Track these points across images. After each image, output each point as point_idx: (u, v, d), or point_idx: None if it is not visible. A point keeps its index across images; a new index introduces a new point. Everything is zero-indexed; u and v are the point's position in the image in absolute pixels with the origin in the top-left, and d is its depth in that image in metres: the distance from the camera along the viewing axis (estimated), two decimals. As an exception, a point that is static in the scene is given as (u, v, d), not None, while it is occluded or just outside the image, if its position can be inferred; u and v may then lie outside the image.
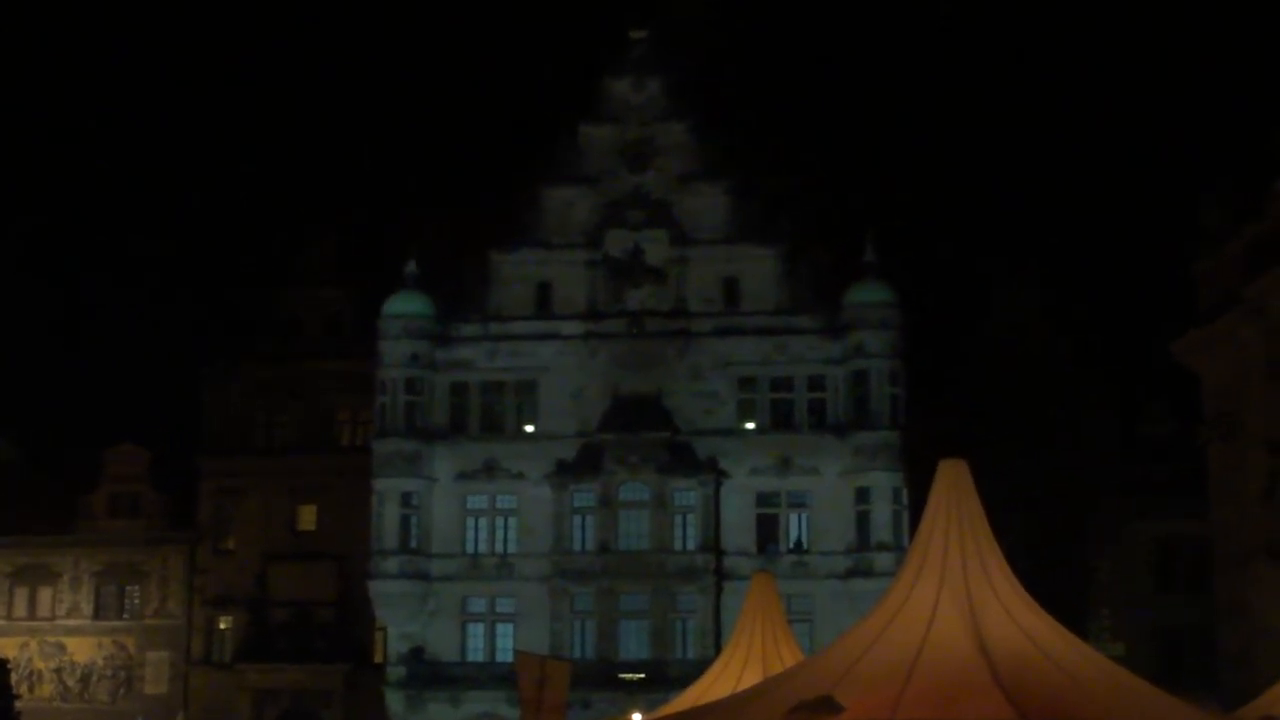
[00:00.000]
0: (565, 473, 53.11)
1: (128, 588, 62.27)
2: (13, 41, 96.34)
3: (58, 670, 61.64)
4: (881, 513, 51.83)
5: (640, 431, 52.78)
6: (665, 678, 48.26)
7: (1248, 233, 43.92)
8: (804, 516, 53.11)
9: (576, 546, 52.88)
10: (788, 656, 18.76)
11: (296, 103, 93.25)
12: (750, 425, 53.66)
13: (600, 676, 49.65)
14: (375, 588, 53.60)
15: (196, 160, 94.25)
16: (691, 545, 52.45)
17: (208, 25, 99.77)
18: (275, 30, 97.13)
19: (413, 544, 53.48)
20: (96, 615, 62.04)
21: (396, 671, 53.56)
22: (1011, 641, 13.53)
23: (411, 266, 55.05)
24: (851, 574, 51.24)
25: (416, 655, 53.40)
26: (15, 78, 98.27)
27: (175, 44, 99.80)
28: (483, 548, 54.10)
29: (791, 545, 52.90)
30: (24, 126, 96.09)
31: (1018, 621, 13.88)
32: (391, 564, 53.35)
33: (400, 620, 53.72)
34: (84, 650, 61.81)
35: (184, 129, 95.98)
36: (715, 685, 18.66)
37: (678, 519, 52.78)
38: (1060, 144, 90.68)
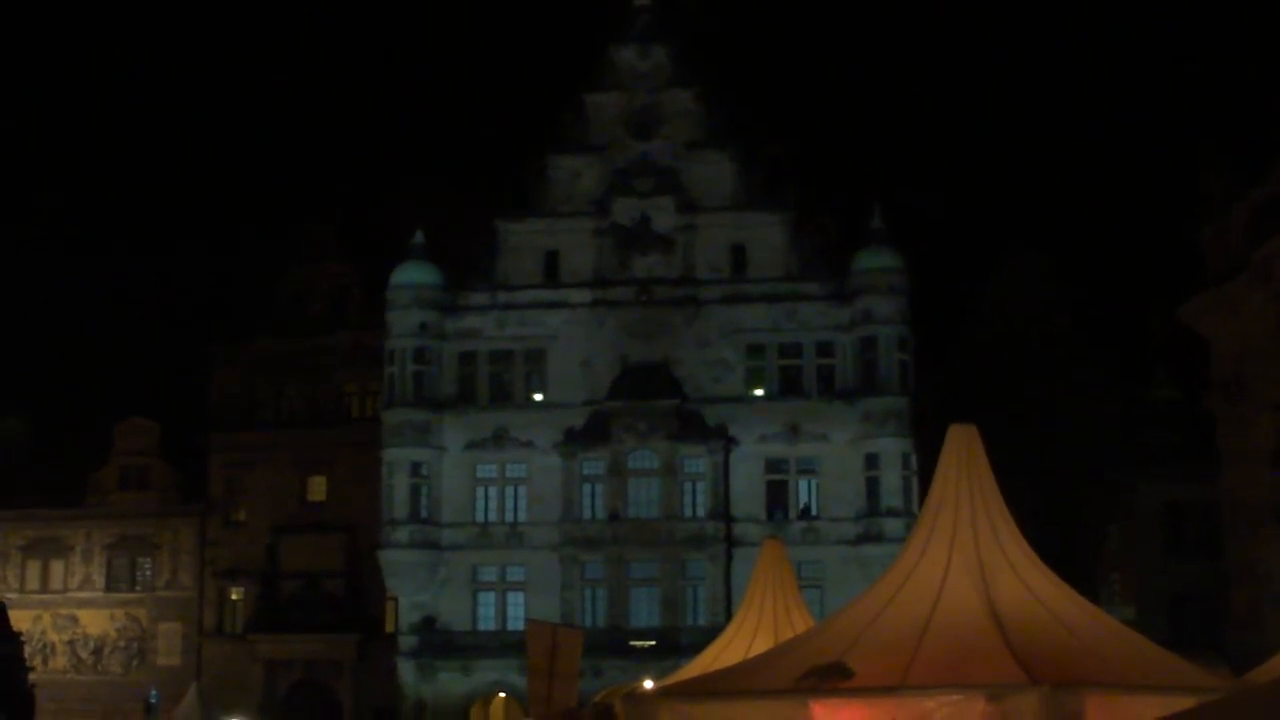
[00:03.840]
0: (574, 441, 53.18)
1: (139, 560, 62.50)
2: (27, 29, 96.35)
3: (71, 643, 61.92)
4: (891, 478, 51.86)
5: (649, 399, 52.82)
6: (676, 645, 48.44)
7: (1253, 196, 43.87)
8: (813, 483, 53.19)
9: (586, 515, 52.98)
10: (798, 623, 18.78)
11: (301, 76, 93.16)
12: (759, 392, 53.69)
13: (611, 644, 49.82)
14: (385, 558, 53.74)
15: (201, 137, 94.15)
16: (701, 512, 52.54)
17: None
18: (280, 4, 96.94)
19: (422, 514, 53.59)
20: (108, 588, 62.28)
21: (408, 641, 53.73)
22: (1023, 605, 13.54)
23: (418, 237, 55.05)
24: (861, 540, 51.32)
25: (427, 625, 53.57)
26: (29, 63, 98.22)
27: (178, 19, 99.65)
28: (493, 517, 54.20)
29: (801, 512, 52.97)
30: (37, 110, 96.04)
31: (1029, 585, 13.89)
32: (401, 534, 53.47)
33: (411, 590, 53.86)
34: (96, 623, 62.06)
35: (188, 106, 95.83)
36: (726, 652, 18.69)
37: (687, 486, 52.86)
38: (1063, 110, 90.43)
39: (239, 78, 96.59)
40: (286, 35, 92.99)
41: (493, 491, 54.39)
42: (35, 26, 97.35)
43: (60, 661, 61.17)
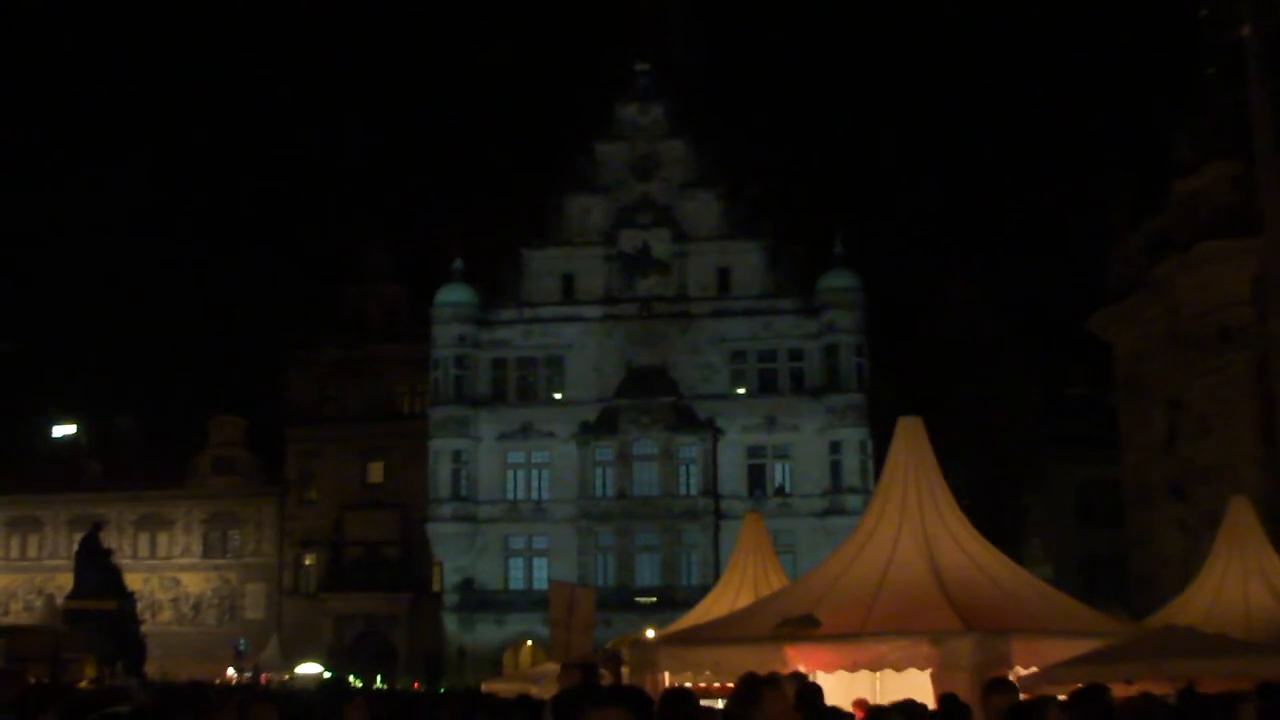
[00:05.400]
0: (588, 432, 53.19)
1: (229, 532, 62.51)
2: (129, 43, 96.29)
3: (174, 600, 61.93)
4: (851, 461, 51.86)
5: (650, 397, 52.82)
6: (674, 600, 48.24)
7: (1150, 225, 43.86)
8: (787, 466, 53.15)
9: (598, 493, 52.98)
10: (775, 582, 18.81)
11: (368, 134, 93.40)
12: (741, 391, 53.68)
13: (620, 601, 49.72)
14: (432, 530, 53.78)
15: (279, 178, 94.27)
16: (694, 491, 52.52)
17: (293, 66, 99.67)
18: (347, 78, 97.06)
19: (463, 493, 53.62)
20: (205, 555, 62.29)
21: (451, 598, 53.75)
22: (960, 566, 13.62)
23: (458, 263, 55.09)
24: (827, 513, 51.26)
25: (467, 585, 53.59)
26: (126, 96, 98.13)
27: (271, 75, 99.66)
28: (521, 495, 54.22)
29: (777, 490, 52.93)
30: (134, 153, 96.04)
31: (965, 550, 13.96)
32: (446, 510, 53.50)
33: (453, 556, 53.88)
34: (195, 584, 62.10)
35: (267, 150, 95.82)
36: (715, 606, 18.72)
37: (682, 469, 52.86)
38: (991, 156, 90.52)
39: (320, 132, 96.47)
40: (353, 102, 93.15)
41: (521, 474, 54.40)
42: (154, 56, 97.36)
43: (166, 616, 61.14)
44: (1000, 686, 9.68)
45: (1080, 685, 9.62)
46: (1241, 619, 15.42)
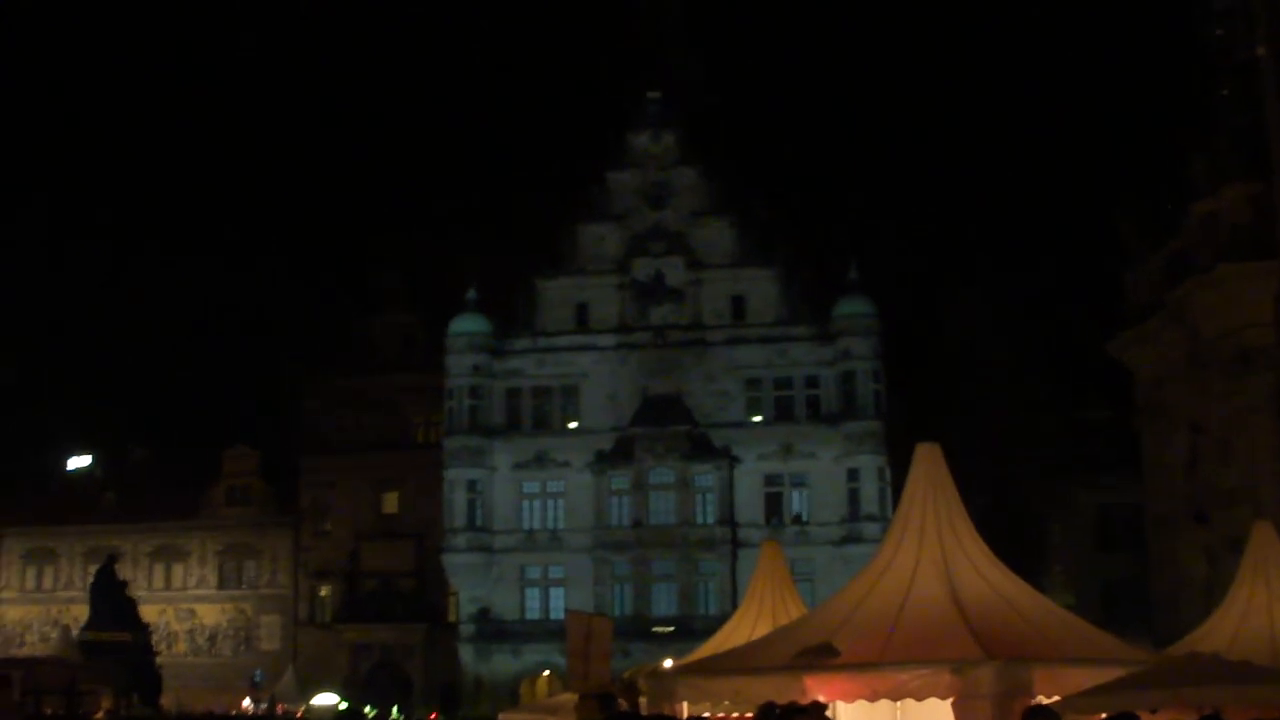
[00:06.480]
0: (604, 461, 53.13)
1: (245, 563, 62.58)
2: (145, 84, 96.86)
3: (190, 631, 61.98)
4: (869, 489, 51.69)
5: (665, 425, 52.76)
6: (691, 630, 48.07)
7: (1168, 247, 43.74)
8: (804, 494, 53.02)
9: (614, 522, 52.87)
10: (793, 610, 18.69)
11: (381, 163, 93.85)
12: (757, 418, 53.60)
13: (637, 630, 49.57)
14: (448, 560, 53.70)
15: (293, 208, 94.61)
16: (710, 519, 52.39)
17: (306, 95, 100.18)
18: (361, 107, 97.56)
19: (478, 523, 53.57)
20: (220, 586, 62.36)
21: (467, 629, 53.65)
22: (980, 593, 13.53)
23: (472, 293, 55.22)
24: (845, 541, 51.10)
25: (483, 615, 53.48)
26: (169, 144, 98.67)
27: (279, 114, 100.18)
28: (536, 525, 54.15)
29: (794, 518, 52.80)
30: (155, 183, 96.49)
31: (985, 577, 13.87)
32: (461, 540, 53.43)
33: (469, 586, 53.80)
34: (211, 615, 62.14)
35: (282, 179, 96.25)
36: (733, 635, 18.60)
37: (698, 498, 52.74)
38: (1005, 177, 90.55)
39: (337, 165, 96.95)
40: (378, 127, 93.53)
41: (536, 504, 54.35)
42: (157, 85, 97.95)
43: (181, 647, 61.18)
44: (1040, 714, 9.62)
45: (1106, 715, 9.55)
46: (1267, 645, 15.27)
